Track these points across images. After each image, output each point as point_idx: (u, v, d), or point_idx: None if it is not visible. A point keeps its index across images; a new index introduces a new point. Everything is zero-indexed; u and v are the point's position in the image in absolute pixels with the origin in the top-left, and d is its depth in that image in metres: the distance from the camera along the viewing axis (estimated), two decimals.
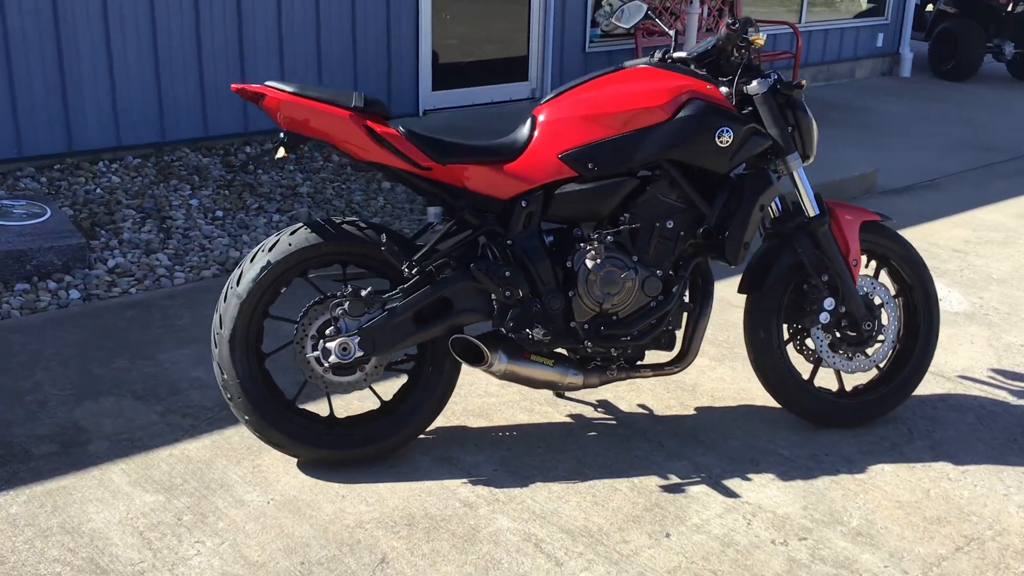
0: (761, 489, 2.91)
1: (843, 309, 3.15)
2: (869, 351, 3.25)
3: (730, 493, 2.89)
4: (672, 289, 3.00)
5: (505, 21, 7.55)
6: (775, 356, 3.15)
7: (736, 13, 8.59)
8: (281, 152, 2.82)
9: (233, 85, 2.86)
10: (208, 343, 3.38)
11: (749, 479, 2.97)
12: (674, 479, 2.95)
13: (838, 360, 3.22)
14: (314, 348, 2.88)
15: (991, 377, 3.70)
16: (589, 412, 3.32)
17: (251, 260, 2.85)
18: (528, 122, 2.98)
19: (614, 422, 3.27)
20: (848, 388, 3.31)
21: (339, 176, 5.81)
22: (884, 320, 3.30)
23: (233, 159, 5.88)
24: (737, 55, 3.04)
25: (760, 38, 2.94)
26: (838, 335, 3.19)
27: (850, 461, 3.08)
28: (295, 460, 2.97)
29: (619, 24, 3.39)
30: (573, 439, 3.15)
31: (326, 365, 2.85)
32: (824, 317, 3.14)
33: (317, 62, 6.38)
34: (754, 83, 3.03)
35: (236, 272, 2.86)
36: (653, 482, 2.93)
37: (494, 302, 2.92)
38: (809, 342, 3.26)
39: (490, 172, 2.88)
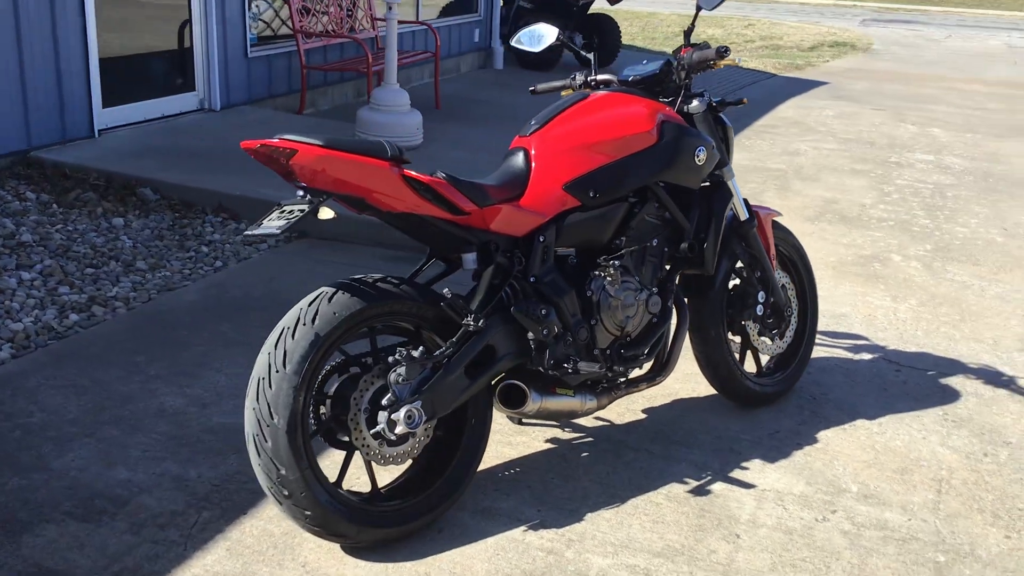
0: (762, 474, 3.18)
1: (771, 299, 3.50)
2: (786, 333, 3.65)
3: (745, 484, 3.11)
4: (667, 304, 3.14)
5: (167, 30, 6.94)
6: (725, 351, 3.42)
7: (370, 13, 8.65)
8: (329, 213, 2.51)
9: (247, 143, 2.47)
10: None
11: (745, 467, 3.22)
12: (691, 482, 3.11)
13: (766, 345, 3.57)
14: (370, 422, 2.61)
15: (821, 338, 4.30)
16: (558, 433, 3.35)
17: (292, 336, 2.51)
18: (519, 155, 2.93)
19: (589, 439, 3.33)
20: (763, 369, 3.69)
21: (53, 216, 5.05)
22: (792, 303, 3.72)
23: None
24: (682, 79, 3.23)
25: (734, 60, 3.15)
26: (767, 323, 3.54)
27: (798, 434, 3.46)
28: (336, 547, 2.68)
29: (529, 49, 3.42)
30: (573, 463, 3.17)
31: (391, 438, 2.61)
32: (759, 309, 3.47)
33: None
34: (694, 102, 3.25)
35: (275, 353, 2.50)
36: (679, 489, 3.06)
37: (531, 342, 2.85)
38: (744, 333, 3.57)
39: (511, 211, 2.80)
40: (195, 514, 2.79)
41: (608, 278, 2.97)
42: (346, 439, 2.68)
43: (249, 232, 2.52)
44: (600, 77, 3.33)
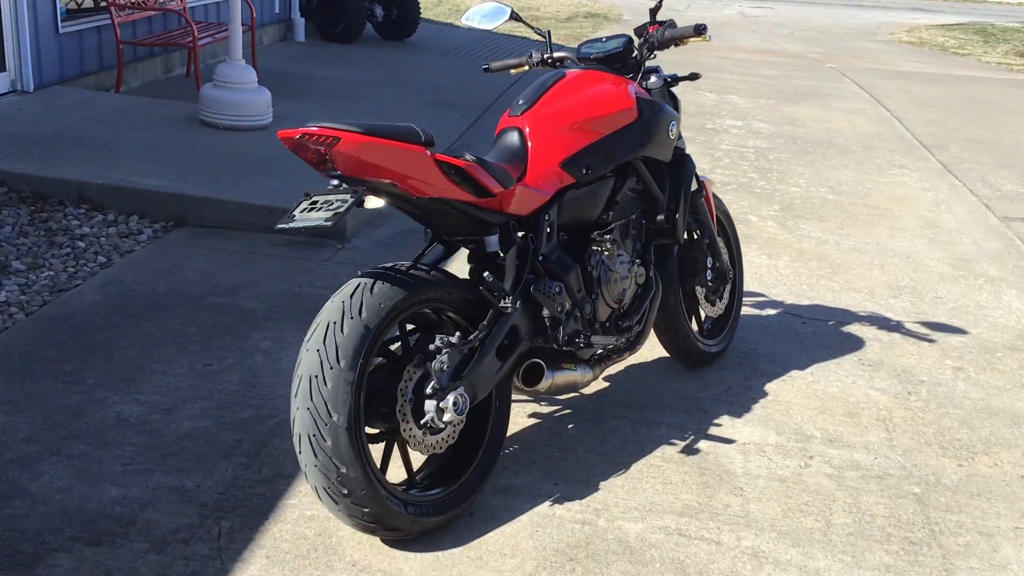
0: (735, 429, 3.36)
1: (716, 265, 3.69)
2: (725, 295, 3.85)
3: (725, 439, 3.29)
4: (650, 274, 3.24)
5: None
6: (683, 316, 3.58)
7: None
8: (378, 202, 2.43)
9: (285, 132, 2.35)
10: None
11: (718, 424, 3.39)
12: (678, 443, 3.24)
13: (711, 308, 3.76)
14: (416, 412, 2.56)
15: None
16: (536, 408, 3.40)
17: (341, 331, 2.41)
18: (514, 135, 2.94)
19: (567, 411, 3.40)
20: (704, 329, 3.88)
21: None
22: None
23: None
24: (643, 55, 3.32)
25: (707, 37, 3.25)
26: (711, 287, 3.73)
27: (749, 389, 3.68)
28: (377, 542, 2.63)
29: (482, 27, 3.40)
30: (564, 436, 3.23)
31: (439, 426, 2.57)
32: (709, 275, 3.65)
33: None
34: (652, 78, 3.36)
35: (325, 349, 2.40)
36: (670, 451, 3.19)
37: (546, 319, 2.88)
38: (693, 297, 3.74)
39: (522, 191, 2.81)
40: (214, 525, 2.65)
41: (606, 253, 3.04)
42: (380, 431, 2.63)
43: (282, 226, 2.40)
44: (557, 55, 3.37)
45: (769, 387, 3.69)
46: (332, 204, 2.39)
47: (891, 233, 5.78)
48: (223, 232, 4.88)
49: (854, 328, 4.31)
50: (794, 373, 3.82)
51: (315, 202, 2.43)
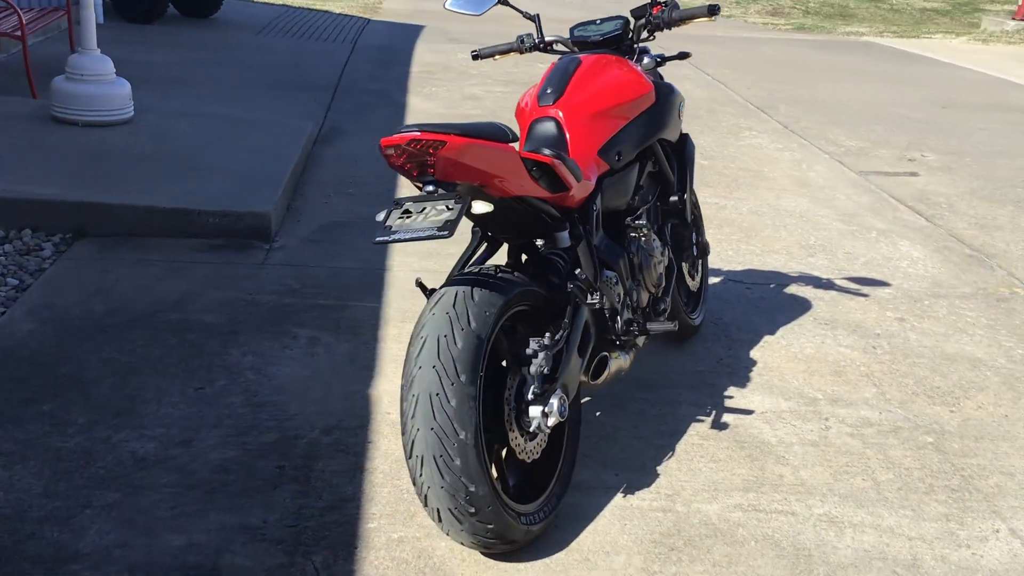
0: (748, 399, 3.45)
1: (699, 240, 3.76)
2: (700, 268, 3.93)
3: (744, 411, 3.37)
4: (670, 256, 3.26)
5: None
6: (679, 293, 3.63)
7: None
8: (487, 206, 2.31)
9: (390, 139, 2.18)
10: None
11: (730, 396, 3.47)
12: (705, 419, 3.30)
13: (692, 282, 3.83)
14: (520, 420, 2.47)
15: None
16: None
17: (455, 343, 2.29)
18: (550, 124, 2.87)
19: (586, 398, 3.38)
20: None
21: None
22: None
23: None
24: (639, 36, 3.31)
25: (712, 19, 3.25)
26: (694, 261, 3.79)
27: (737, 359, 3.77)
28: (477, 555, 2.53)
29: (467, 12, 3.29)
30: (597, 424, 3.21)
31: (545, 431, 2.49)
32: (694, 250, 3.71)
33: None
34: (645, 59, 3.36)
35: (442, 364, 2.26)
36: (703, 429, 3.24)
37: (606, 311, 2.84)
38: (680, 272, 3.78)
39: (583, 182, 2.75)
40: (305, 562, 2.47)
41: (643, 238, 3.03)
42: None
43: (383, 239, 2.25)
44: (548, 38, 3.32)
45: (753, 355, 3.81)
46: (435, 211, 2.25)
47: (775, 194, 6.07)
48: (132, 241, 4.50)
49: (794, 289, 4.51)
50: (767, 339, 3.96)
51: (408, 211, 2.29)
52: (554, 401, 2.48)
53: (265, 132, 6.04)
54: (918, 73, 11.58)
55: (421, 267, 4.43)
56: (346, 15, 13.26)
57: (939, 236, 5.42)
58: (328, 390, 3.31)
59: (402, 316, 3.92)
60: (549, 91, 2.93)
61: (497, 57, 3.40)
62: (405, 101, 8.04)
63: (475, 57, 3.37)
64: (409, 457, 2.31)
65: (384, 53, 10.35)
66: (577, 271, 2.65)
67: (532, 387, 2.48)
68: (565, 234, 2.68)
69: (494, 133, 2.36)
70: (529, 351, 2.49)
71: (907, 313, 4.32)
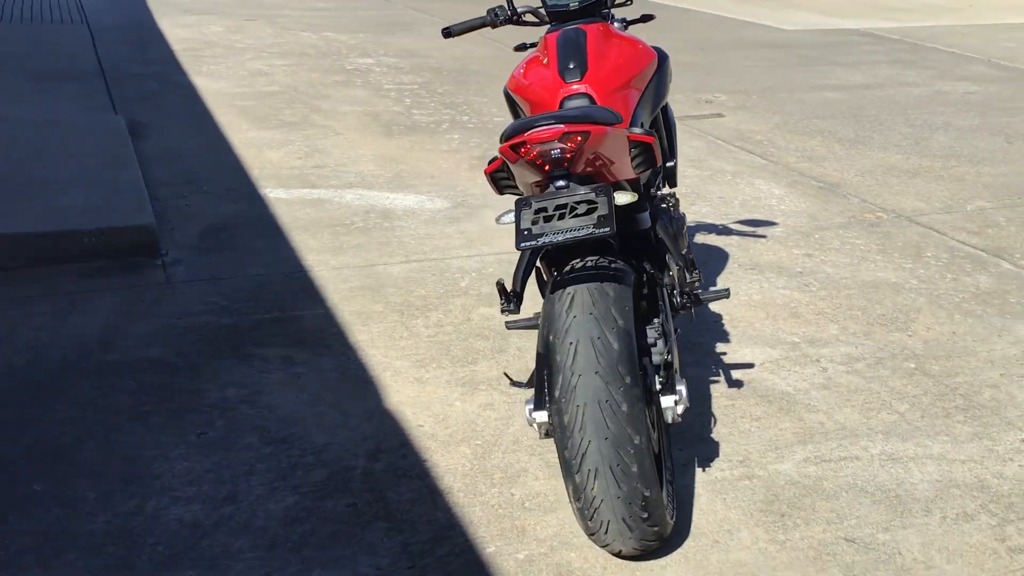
0: (740, 353, 3.50)
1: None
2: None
3: (746, 365, 3.42)
4: None
5: None
6: None
7: None
8: (631, 196, 2.15)
9: (538, 134, 1.99)
10: None
11: (723, 353, 3.51)
12: (719, 379, 3.32)
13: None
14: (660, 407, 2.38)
15: None
16: None
17: (610, 343, 2.13)
18: (584, 101, 2.74)
19: None
20: None
21: None
22: None
23: None
24: (613, 2, 3.21)
25: None
26: None
27: (700, 313, 3.82)
28: (613, 562, 2.42)
29: None
30: None
31: (678, 420, 2.40)
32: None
33: None
34: (615, 24, 3.28)
35: (605, 368, 2.11)
36: (724, 389, 3.26)
37: (666, 287, 2.76)
38: None
39: None
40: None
41: (672, 210, 2.97)
42: None
43: (530, 244, 2.07)
44: (520, 9, 3.16)
45: (716, 311, 3.88)
46: (577, 207, 2.10)
47: None
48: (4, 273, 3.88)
49: (701, 239, 4.62)
50: (737, 289, 4.04)
51: (542, 209, 2.12)
52: (682, 388, 2.40)
53: (81, 133, 5.38)
54: (669, 19, 12.15)
55: (339, 263, 4.14)
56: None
57: (783, 172, 5.74)
58: (342, 412, 3.03)
59: (362, 320, 3.64)
60: (572, 66, 2.79)
61: (463, 32, 3.19)
62: (192, 83, 7.42)
63: (446, 35, 3.14)
64: (576, 472, 2.15)
65: (128, 32, 9.49)
66: (684, 251, 2.57)
67: (657, 377, 2.39)
68: (646, 215, 2.59)
69: (612, 118, 2.22)
70: (649, 340, 2.39)
71: (809, 248, 4.55)
